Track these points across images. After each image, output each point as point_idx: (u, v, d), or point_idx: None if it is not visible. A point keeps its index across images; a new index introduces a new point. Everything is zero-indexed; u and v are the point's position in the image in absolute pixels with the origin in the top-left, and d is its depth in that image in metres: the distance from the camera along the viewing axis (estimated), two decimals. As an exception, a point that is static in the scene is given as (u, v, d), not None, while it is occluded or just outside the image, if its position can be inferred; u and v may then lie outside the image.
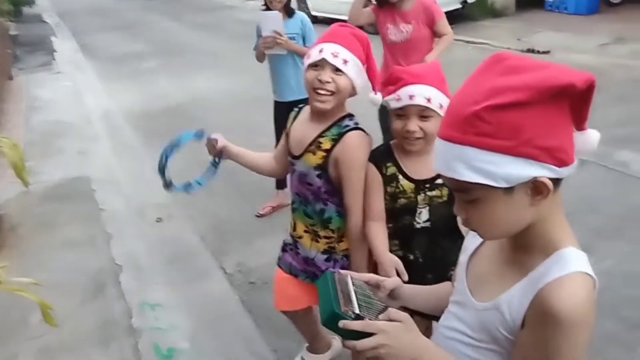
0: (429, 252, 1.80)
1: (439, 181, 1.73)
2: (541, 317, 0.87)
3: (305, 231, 2.01)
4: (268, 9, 3.64)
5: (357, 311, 0.96)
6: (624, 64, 6.89)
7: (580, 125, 0.90)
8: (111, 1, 20.25)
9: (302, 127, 1.93)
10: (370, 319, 0.96)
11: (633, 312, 2.71)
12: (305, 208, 1.97)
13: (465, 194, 0.91)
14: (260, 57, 3.80)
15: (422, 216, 1.77)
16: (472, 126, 0.85)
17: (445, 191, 1.74)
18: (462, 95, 0.90)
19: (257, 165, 2.12)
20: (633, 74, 6.51)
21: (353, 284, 1.07)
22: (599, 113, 5.34)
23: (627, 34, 8.08)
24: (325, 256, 1.99)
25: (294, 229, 2.06)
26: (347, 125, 1.83)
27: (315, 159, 1.84)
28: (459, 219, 0.99)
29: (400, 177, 1.76)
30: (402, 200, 1.77)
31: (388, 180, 1.78)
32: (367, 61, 1.85)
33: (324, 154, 1.82)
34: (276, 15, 3.45)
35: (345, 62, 1.75)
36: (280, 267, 2.20)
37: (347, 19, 3.77)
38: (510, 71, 0.86)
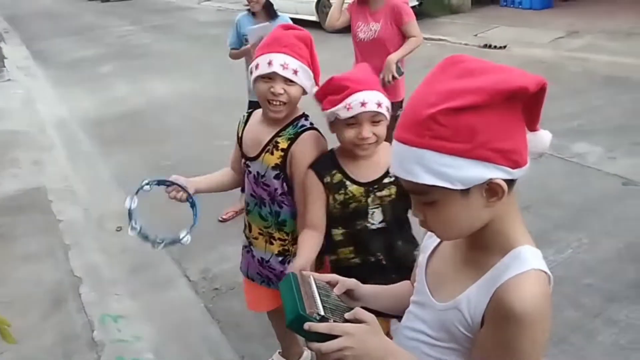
0: (389, 252, 1.80)
1: (386, 180, 1.74)
2: (499, 315, 0.88)
3: (260, 233, 2.01)
4: (252, 11, 3.72)
5: (322, 313, 0.95)
6: (578, 57, 7.11)
7: (532, 126, 0.92)
8: (63, 5, 19.70)
9: (256, 129, 1.93)
10: (335, 321, 0.95)
11: (593, 300, 2.78)
12: (260, 210, 1.97)
13: (423, 196, 0.91)
14: (235, 56, 3.80)
15: (376, 217, 1.76)
16: (429, 129, 0.85)
17: (393, 189, 1.74)
18: (418, 97, 0.90)
19: (222, 184, 2.10)
20: (587, 66, 6.72)
21: (316, 285, 1.06)
22: (555, 106, 5.49)
23: (580, 27, 8.34)
24: (280, 258, 1.99)
25: (250, 230, 2.06)
26: (303, 125, 1.85)
27: (273, 158, 1.85)
28: (415, 219, 0.99)
29: (348, 182, 1.75)
30: (353, 205, 1.75)
31: (336, 187, 1.75)
32: (311, 59, 1.85)
33: (282, 153, 1.83)
34: (267, 26, 3.44)
35: (295, 72, 1.77)
36: (241, 270, 2.20)
37: (325, 25, 3.80)
38: (466, 74, 0.87)
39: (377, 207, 1.75)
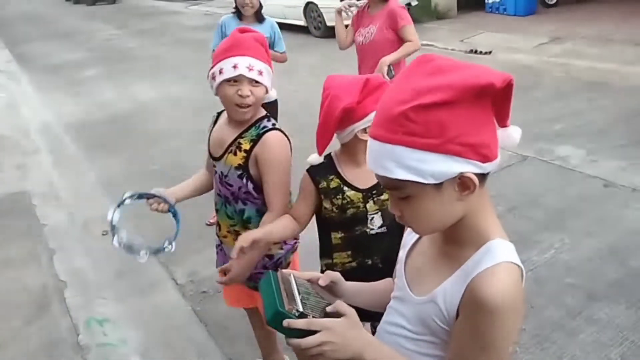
0: (388, 256, 1.77)
1: None
2: (472, 307, 0.91)
3: (228, 231, 2.04)
4: (238, 12, 3.73)
5: (300, 309, 0.97)
6: (560, 62, 7.23)
7: (502, 122, 0.95)
8: (47, 8, 19.57)
9: (222, 130, 1.96)
10: (314, 317, 0.96)
11: (575, 299, 2.83)
12: (225, 209, 2.00)
13: (398, 191, 0.94)
14: None
15: (375, 222, 1.76)
16: (401, 125, 0.88)
17: None
18: (391, 95, 0.93)
19: (199, 187, 2.13)
20: (569, 71, 6.84)
21: (296, 283, 1.07)
22: (539, 109, 5.57)
23: (563, 33, 8.48)
24: None
25: (219, 229, 2.09)
26: (265, 127, 1.88)
27: (236, 159, 1.88)
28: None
29: (345, 188, 1.75)
30: (351, 210, 1.76)
31: (332, 192, 1.76)
32: (268, 59, 1.90)
33: (245, 154, 1.87)
34: None
35: (260, 73, 1.82)
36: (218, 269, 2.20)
37: (339, 46, 3.84)
38: (436, 72, 0.90)
39: (376, 212, 1.75)
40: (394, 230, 1.77)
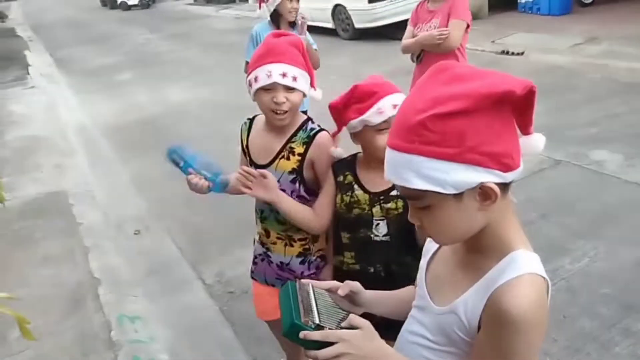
0: (390, 266, 1.78)
1: (393, 193, 1.72)
2: (494, 319, 0.89)
3: (279, 237, 2.02)
4: (274, 18, 3.65)
5: (317, 321, 0.97)
6: (597, 63, 6.99)
7: (525, 130, 0.93)
8: (85, 14, 20.13)
9: (264, 137, 1.95)
10: (331, 328, 0.96)
11: (610, 310, 2.74)
12: (277, 215, 1.97)
13: (418, 201, 0.92)
14: None
15: (380, 229, 1.74)
16: (418, 135, 0.87)
17: (400, 203, 1.72)
18: (408, 104, 0.92)
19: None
20: (606, 73, 6.62)
21: (314, 293, 1.07)
22: (574, 112, 5.40)
23: (600, 33, 8.23)
24: (300, 259, 2.00)
25: (267, 236, 2.06)
26: (313, 128, 1.89)
27: (289, 163, 1.88)
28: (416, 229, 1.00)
29: (356, 186, 1.76)
30: (357, 211, 1.76)
31: (345, 188, 1.77)
32: (305, 62, 1.88)
33: (299, 157, 1.87)
34: None
35: (294, 79, 1.81)
36: (254, 279, 2.20)
37: (402, 51, 3.59)
38: (454, 80, 0.88)
39: (382, 219, 1.74)
40: (398, 241, 1.76)
